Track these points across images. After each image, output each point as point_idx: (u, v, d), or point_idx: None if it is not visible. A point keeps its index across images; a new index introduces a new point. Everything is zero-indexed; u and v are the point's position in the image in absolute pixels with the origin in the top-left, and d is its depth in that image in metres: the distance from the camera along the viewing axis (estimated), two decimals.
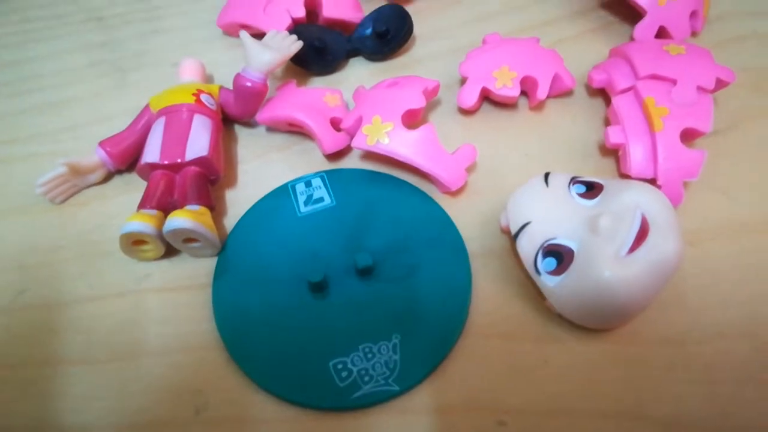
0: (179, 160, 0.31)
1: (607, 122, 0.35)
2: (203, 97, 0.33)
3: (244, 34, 0.33)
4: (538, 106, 0.36)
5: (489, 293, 0.30)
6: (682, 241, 0.27)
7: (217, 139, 0.33)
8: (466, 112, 0.36)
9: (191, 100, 0.33)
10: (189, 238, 0.30)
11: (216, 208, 0.33)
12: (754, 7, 0.41)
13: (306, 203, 0.33)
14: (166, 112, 0.32)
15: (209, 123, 0.33)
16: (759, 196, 0.33)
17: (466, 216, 0.32)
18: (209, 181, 0.32)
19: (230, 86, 0.35)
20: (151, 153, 0.31)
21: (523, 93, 0.36)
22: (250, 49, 0.33)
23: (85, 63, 0.40)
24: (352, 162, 0.35)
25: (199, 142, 0.32)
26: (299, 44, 0.35)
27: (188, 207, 0.30)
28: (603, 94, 0.37)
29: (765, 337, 0.28)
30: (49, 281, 0.31)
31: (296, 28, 0.37)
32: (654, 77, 0.33)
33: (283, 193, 0.33)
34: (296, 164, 0.35)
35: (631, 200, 0.28)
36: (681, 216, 0.32)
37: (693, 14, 0.38)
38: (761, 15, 0.40)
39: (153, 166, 0.31)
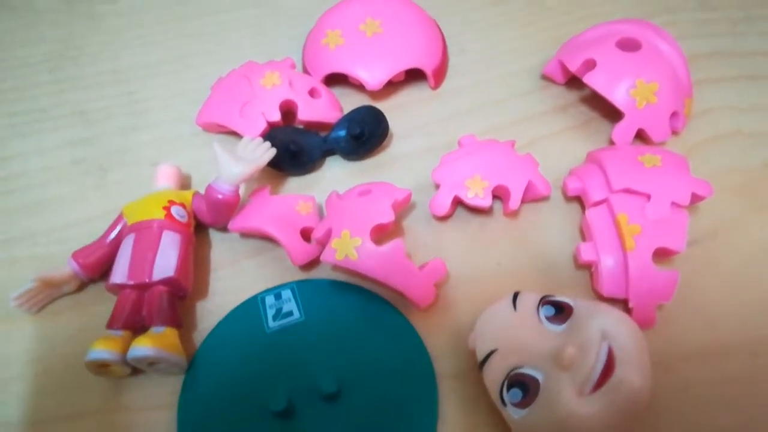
0: (146, 280, 0.31)
1: (581, 230, 0.35)
2: (174, 210, 0.34)
3: (217, 147, 0.34)
4: (512, 213, 0.36)
5: (456, 420, 0.30)
6: (650, 377, 0.26)
7: (186, 255, 0.33)
8: (439, 217, 0.36)
9: (161, 214, 0.33)
10: (154, 361, 0.30)
11: (185, 322, 0.32)
12: (740, 103, 0.40)
13: (275, 318, 0.33)
14: (136, 228, 0.33)
15: (178, 239, 0.33)
16: (738, 315, 0.32)
17: (436, 332, 0.32)
18: (178, 297, 0.32)
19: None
20: (119, 273, 0.32)
21: (498, 197, 0.36)
22: (222, 162, 0.33)
23: (67, 160, 0.40)
24: (324, 270, 0.35)
25: (166, 261, 0.32)
26: (272, 153, 0.35)
27: (153, 330, 0.30)
28: (579, 198, 0.36)
29: None
30: (20, 397, 0.32)
31: (271, 131, 0.37)
32: (627, 191, 0.32)
33: (252, 306, 0.33)
34: (268, 271, 0.35)
35: (598, 331, 0.27)
36: (654, 337, 0.31)
37: (673, 115, 0.37)
38: (747, 111, 0.39)
39: (121, 286, 0.32)
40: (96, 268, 0.34)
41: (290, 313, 0.33)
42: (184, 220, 0.34)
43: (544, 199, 0.36)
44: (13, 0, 0.50)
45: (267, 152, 0.35)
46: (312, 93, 0.39)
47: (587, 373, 0.26)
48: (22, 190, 0.39)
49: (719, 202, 0.35)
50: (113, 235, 0.34)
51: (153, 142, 0.41)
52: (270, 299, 0.33)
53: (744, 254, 0.34)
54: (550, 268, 0.34)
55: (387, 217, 0.32)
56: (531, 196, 0.36)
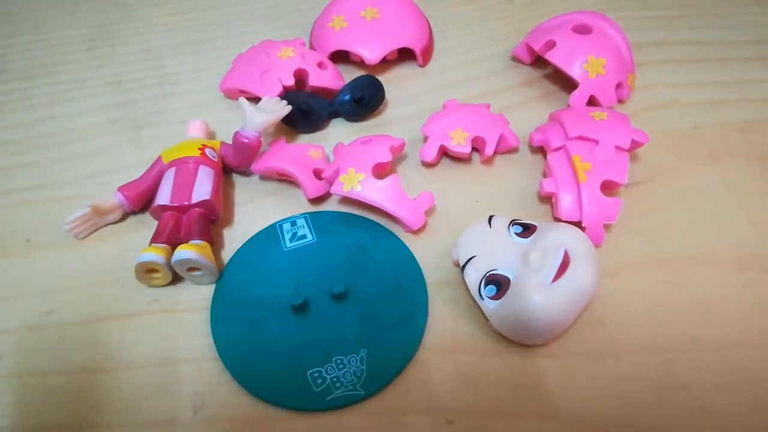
0: (186, 203, 0.37)
1: (544, 174, 0.42)
2: (207, 151, 0.40)
3: (243, 100, 0.40)
4: (488, 161, 0.43)
5: (442, 315, 0.36)
6: (598, 273, 0.33)
7: (218, 186, 0.39)
8: (427, 165, 0.43)
9: (197, 153, 0.39)
10: (192, 267, 0.36)
11: (215, 243, 0.38)
12: (675, 79, 0.48)
13: (291, 240, 0.39)
14: (176, 163, 0.39)
15: (212, 172, 0.39)
16: (671, 238, 0.39)
17: (425, 251, 0.39)
18: (210, 220, 0.39)
19: (230, 141, 0.41)
20: (163, 197, 0.38)
21: (476, 150, 0.43)
22: (247, 112, 0.40)
23: (106, 120, 0.47)
24: (331, 205, 0.41)
25: (203, 188, 0.38)
26: (288, 108, 0.41)
27: (193, 242, 0.36)
28: (542, 151, 0.43)
29: (670, 353, 0.34)
30: (72, 304, 0.37)
31: (286, 94, 0.44)
32: (581, 138, 0.40)
33: (272, 232, 0.40)
34: (284, 207, 0.41)
35: (557, 239, 0.34)
36: (603, 253, 0.38)
37: (619, 86, 0.45)
38: (681, 86, 0.48)
39: (164, 208, 0.38)
40: (139, 200, 0.40)
41: (304, 236, 0.39)
42: (216, 159, 0.40)
43: (514, 150, 0.44)
44: None
45: (284, 107, 0.42)
46: (320, 65, 0.46)
47: (548, 269, 0.33)
48: (68, 144, 0.45)
49: (657, 155, 0.43)
50: (154, 172, 0.40)
51: (181, 106, 0.47)
52: (287, 226, 0.40)
53: (676, 193, 0.41)
54: (518, 203, 0.41)
55: (385, 157, 0.39)
56: (503, 148, 0.43)
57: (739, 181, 0.42)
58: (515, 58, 0.50)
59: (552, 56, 0.45)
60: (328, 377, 0.33)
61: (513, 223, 0.36)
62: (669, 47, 0.51)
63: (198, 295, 0.37)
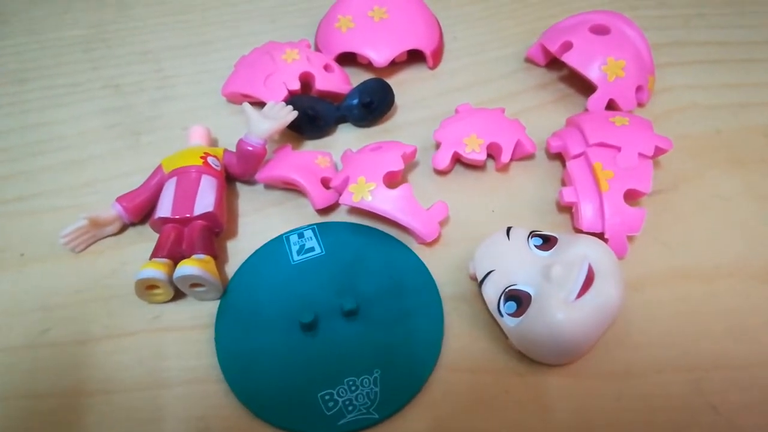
0: (188, 215, 0.36)
1: (563, 182, 0.40)
2: (210, 160, 0.38)
3: (247, 105, 0.38)
4: (504, 168, 0.41)
5: (459, 333, 0.34)
6: (623, 288, 0.32)
7: (221, 196, 0.37)
8: (440, 172, 0.41)
9: (199, 162, 0.38)
10: (195, 283, 0.34)
11: (219, 256, 0.37)
12: (695, 81, 0.47)
13: (299, 253, 0.37)
14: (177, 172, 0.37)
15: (215, 182, 0.37)
16: (696, 249, 0.37)
17: (440, 264, 0.37)
18: (214, 233, 0.37)
19: (233, 149, 0.39)
20: (164, 208, 0.36)
21: (491, 156, 0.41)
22: (252, 119, 0.38)
23: (103, 125, 0.45)
24: (340, 216, 0.40)
25: (205, 199, 0.36)
26: (294, 114, 0.40)
27: (195, 256, 0.35)
28: (560, 157, 0.42)
29: (698, 372, 0.33)
30: (69, 321, 0.35)
31: (292, 98, 0.42)
32: (601, 145, 0.38)
33: (278, 244, 0.38)
34: (291, 218, 0.40)
35: (580, 252, 0.32)
36: (627, 265, 0.36)
37: (639, 88, 0.43)
38: (701, 88, 0.46)
39: (165, 220, 0.36)
40: (138, 211, 0.38)
41: (312, 249, 0.37)
42: (219, 168, 0.38)
43: (531, 157, 0.42)
44: None
45: (290, 113, 0.40)
46: (326, 68, 0.44)
47: (571, 285, 0.31)
48: (62, 150, 0.43)
49: (679, 161, 0.41)
50: (154, 182, 0.38)
51: (182, 111, 0.45)
52: (294, 238, 0.38)
53: (700, 201, 0.39)
54: (536, 213, 0.39)
55: (397, 165, 0.37)
56: (519, 154, 0.41)
57: (765, 189, 0.40)
58: (529, 60, 0.48)
59: (569, 58, 0.43)
60: (340, 400, 0.31)
61: (532, 234, 0.34)
62: (687, 47, 0.49)
63: (201, 312, 0.35)
